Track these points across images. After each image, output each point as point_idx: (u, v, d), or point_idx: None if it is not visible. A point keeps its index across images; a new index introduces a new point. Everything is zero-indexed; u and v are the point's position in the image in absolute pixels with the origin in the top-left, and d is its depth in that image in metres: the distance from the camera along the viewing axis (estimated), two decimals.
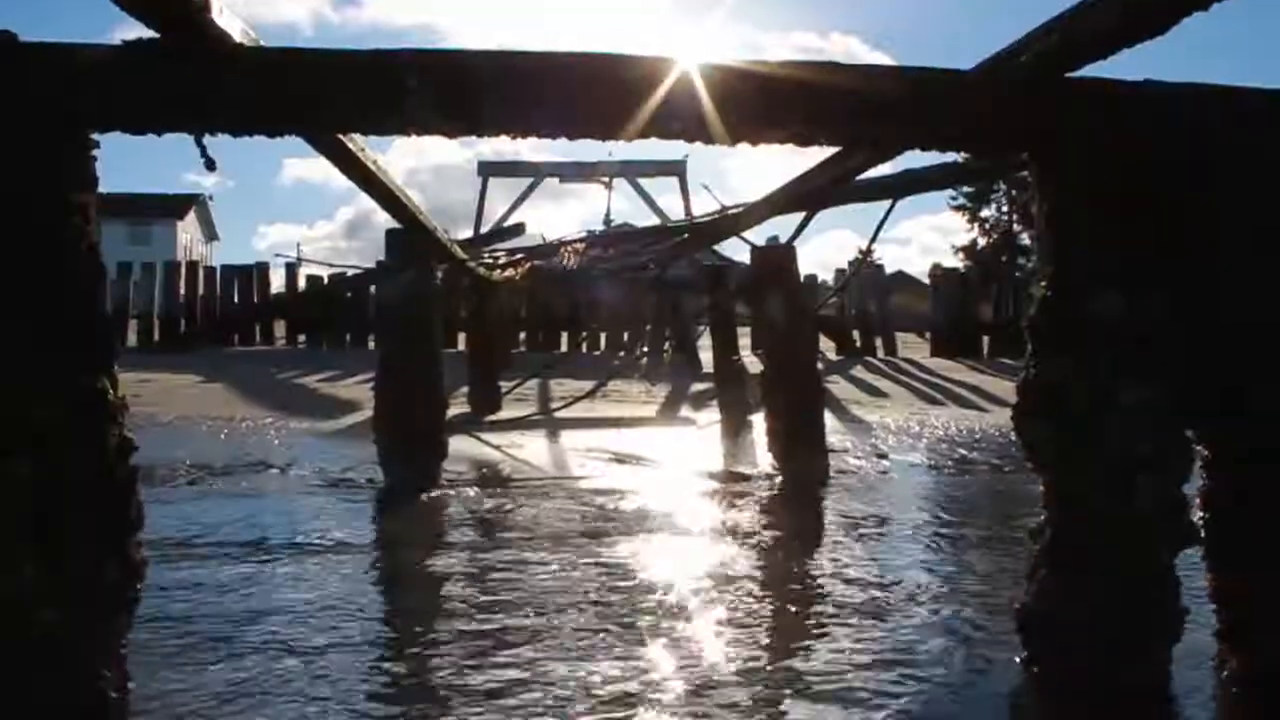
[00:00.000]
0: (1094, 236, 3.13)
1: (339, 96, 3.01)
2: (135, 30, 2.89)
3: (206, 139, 3.16)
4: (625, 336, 21.37)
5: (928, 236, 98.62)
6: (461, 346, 15.66)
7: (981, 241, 45.67)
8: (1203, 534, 3.25)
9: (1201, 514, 3.27)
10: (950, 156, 5.94)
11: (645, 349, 18.79)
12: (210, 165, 3.19)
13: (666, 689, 3.34)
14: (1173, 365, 3.12)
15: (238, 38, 2.97)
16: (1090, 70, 3.16)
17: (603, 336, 22.44)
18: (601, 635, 3.88)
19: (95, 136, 3.04)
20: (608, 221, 20.93)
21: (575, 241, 11.32)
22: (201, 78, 2.94)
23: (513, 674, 3.44)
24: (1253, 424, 3.18)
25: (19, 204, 2.84)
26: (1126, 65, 3.13)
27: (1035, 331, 3.24)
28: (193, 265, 25.75)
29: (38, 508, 2.75)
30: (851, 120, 3.25)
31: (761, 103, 3.12)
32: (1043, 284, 3.27)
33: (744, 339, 11.61)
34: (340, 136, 4.05)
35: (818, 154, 5.33)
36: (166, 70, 2.92)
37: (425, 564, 5.09)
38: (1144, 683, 3.15)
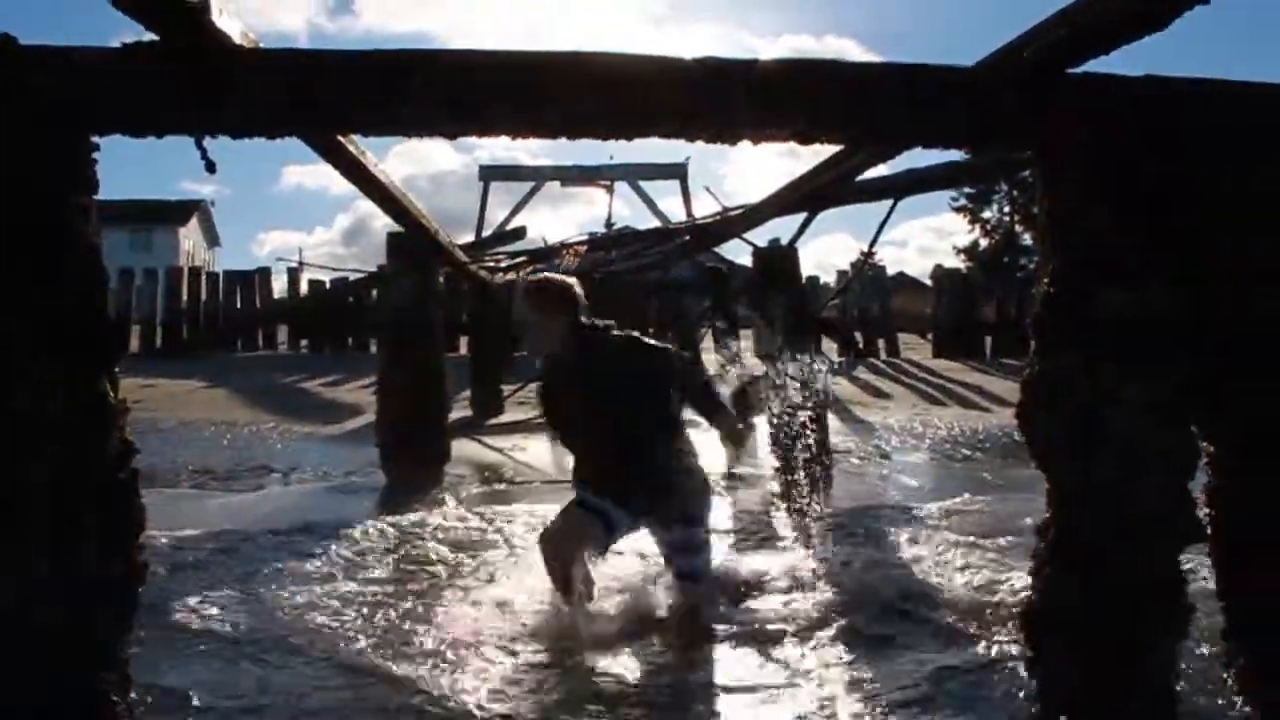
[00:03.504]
0: (1097, 231, 3.11)
1: (339, 97, 3.00)
2: (136, 34, 2.89)
3: (207, 141, 3.15)
4: None
5: (925, 238, 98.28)
6: (464, 350, 15.63)
7: (983, 243, 45.58)
8: (1208, 531, 3.23)
9: (1207, 511, 3.26)
10: (952, 155, 5.95)
11: None
12: (210, 167, 3.17)
13: None
14: (1177, 361, 3.10)
15: (237, 39, 2.96)
16: (1093, 66, 3.15)
17: None
18: None
19: (95, 139, 3.03)
20: (609, 225, 20.88)
21: (577, 244, 11.30)
22: (201, 79, 2.92)
23: None
24: (1258, 420, 3.17)
25: (20, 206, 2.83)
26: (1129, 61, 3.13)
27: (1039, 327, 3.22)
28: (195, 271, 25.73)
29: (39, 509, 2.74)
30: (853, 117, 3.24)
31: (764, 100, 3.11)
32: (1046, 279, 3.25)
33: (746, 340, 11.58)
34: (340, 139, 4.04)
35: (817, 156, 5.34)
36: (165, 72, 2.90)
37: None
38: (1150, 681, 3.13)
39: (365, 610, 4.31)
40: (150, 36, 2.87)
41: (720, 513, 6.77)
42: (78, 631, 2.79)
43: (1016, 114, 3.22)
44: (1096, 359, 3.08)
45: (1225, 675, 3.32)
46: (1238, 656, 3.28)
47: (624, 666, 3.67)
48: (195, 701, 3.29)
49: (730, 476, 8.14)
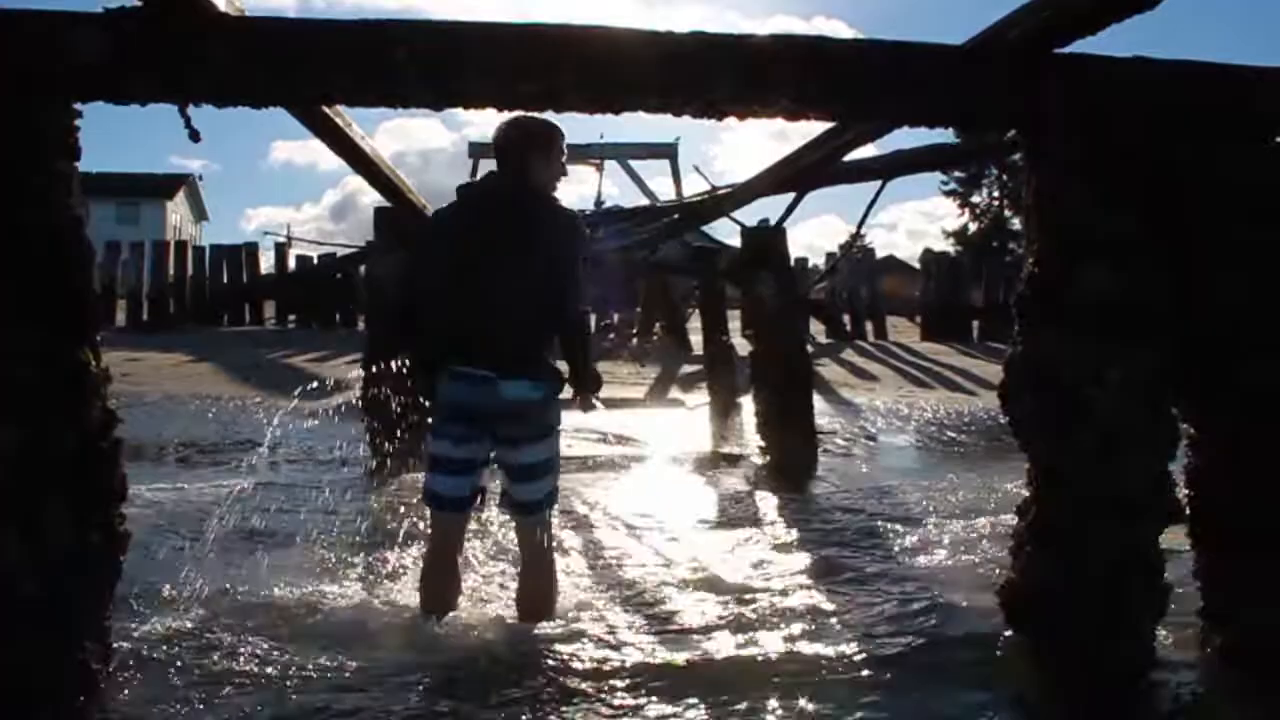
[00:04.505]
0: (1082, 211, 3.12)
1: (324, 66, 2.98)
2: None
3: (191, 109, 3.13)
4: (615, 318, 21.33)
5: (914, 221, 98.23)
6: None
7: (972, 226, 45.64)
8: (1188, 511, 3.25)
9: (1187, 491, 3.28)
10: (939, 137, 5.96)
11: (635, 330, 18.79)
12: (194, 136, 3.15)
13: None
14: (1160, 341, 3.11)
15: (221, 7, 2.94)
16: (1079, 46, 3.15)
17: (592, 318, 22.29)
18: None
19: (76, 107, 3.01)
20: (599, 203, 20.81)
21: None
22: (184, 47, 2.90)
23: None
24: (1239, 400, 3.19)
25: (1, 173, 2.82)
26: (1116, 42, 3.13)
27: (1023, 307, 3.23)
28: (182, 245, 25.54)
29: (19, 477, 2.74)
30: (841, 94, 3.23)
31: (752, 76, 3.10)
32: (1031, 259, 3.26)
33: (733, 321, 11.58)
34: (326, 110, 4.02)
35: (806, 137, 5.34)
36: (149, 39, 2.88)
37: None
38: (1129, 658, 3.15)
39: (321, 582, 4.27)
40: (134, 2, 2.86)
41: (702, 492, 6.82)
42: (57, 600, 2.79)
43: (1003, 92, 3.22)
44: (1080, 338, 3.09)
45: (1202, 652, 3.35)
46: (1215, 635, 3.31)
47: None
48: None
49: (723, 457, 8.18)
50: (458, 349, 3.61)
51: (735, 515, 5.97)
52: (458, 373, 3.61)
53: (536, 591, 3.80)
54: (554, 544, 3.90)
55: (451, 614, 3.76)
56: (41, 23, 2.87)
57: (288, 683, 3.19)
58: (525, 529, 3.76)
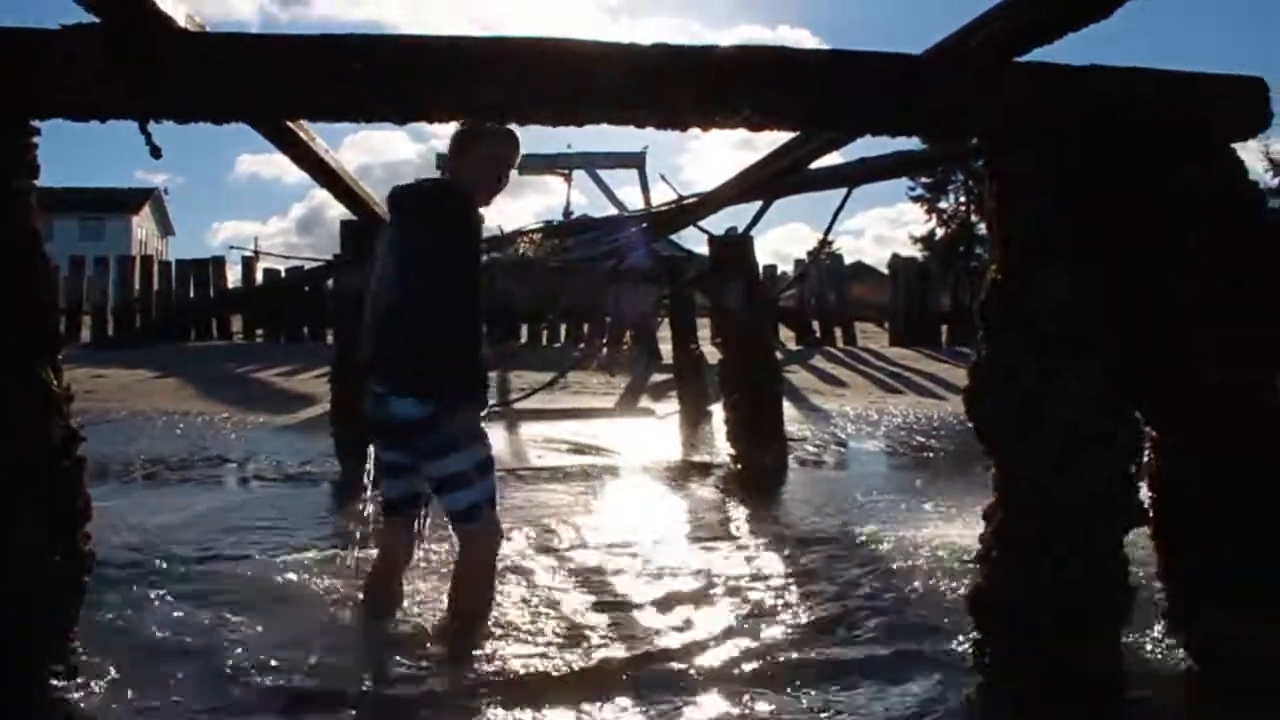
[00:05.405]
0: (1042, 219, 3.15)
1: (284, 81, 2.97)
2: (77, 16, 2.85)
3: (152, 126, 3.11)
4: (585, 328, 21.29)
5: (881, 227, 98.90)
6: None
7: (940, 232, 45.91)
8: (1151, 514, 3.29)
9: (1150, 494, 3.31)
10: (905, 143, 5.99)
11: (605, 340, 18.75)
12: (155, 153, 3.13)
13: None
14: (1121, 346, 3.15)
15: (181, 23, 2.93)
16: (1038, 55, 3.19)
17: (562, 328, 22.29)
18: None
19: (35, 124, 2.98)
20: (567, 214, 20.80)
21: (532, 232, 11.27)
22: (144, 63, 2.88)
23: None
24: (1201, 404, 3.22)
25: None
26: (1073, 51, 3.17)
27: (985, 314, 3.26)
28: (147, 260, 25.31)
29: None
30: (803, 105, 3.24)
31: (714, 88, 3.11)
32: (993, 266, 3.29)
33: (703, 329, 11.60)
34: (289, 124, 4.01)
35: (772, 146, 5.37)
36: (107, 55, 2.86)
37: None
38: (1093, 662, 3.18)
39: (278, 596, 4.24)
40: (91, 19, 2.84)
41: (672, 502, 6.82)
42: (19, 621, 2.77)
43: (963, 101, 3.25)
44: (1040, 344, 3.11)
45: (1165, 656, 3.38)
46: (1178, 637, 3.34)
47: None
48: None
49: (694, 466, 8.18)
50: (371, 364, 3.68)
51: (705, 524, 5.96)
52: (367, 389, 3.69)
53: (460, 605, 3.75)
54: (492, 558, 3.81)
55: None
56: None
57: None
58: (459, 538, 3.71)
